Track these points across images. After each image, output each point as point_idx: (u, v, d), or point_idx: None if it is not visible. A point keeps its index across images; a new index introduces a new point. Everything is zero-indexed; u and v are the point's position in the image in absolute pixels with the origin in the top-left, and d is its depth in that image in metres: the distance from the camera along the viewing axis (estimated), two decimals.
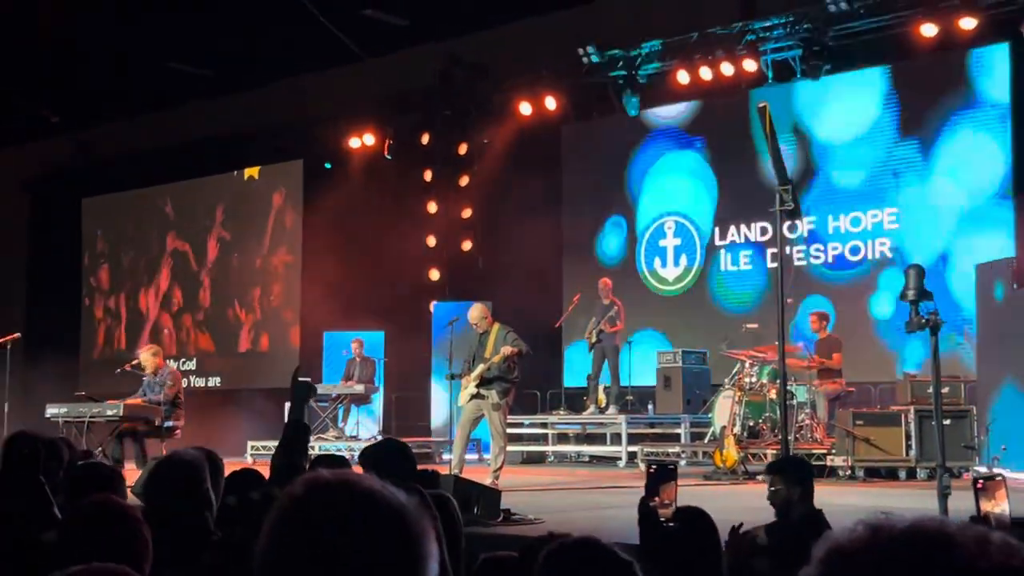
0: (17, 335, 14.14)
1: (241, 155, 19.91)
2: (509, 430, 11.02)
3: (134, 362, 13.13)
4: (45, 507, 3.26)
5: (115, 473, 4.82)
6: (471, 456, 12.46)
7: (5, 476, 3.68)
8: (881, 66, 14.54)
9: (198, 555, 3.15)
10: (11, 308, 21.39)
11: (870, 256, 14.54)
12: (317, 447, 11.25)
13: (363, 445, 14.38)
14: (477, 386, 10.45)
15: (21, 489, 3.37)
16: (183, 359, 20.08)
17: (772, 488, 5.31)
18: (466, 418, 10.64)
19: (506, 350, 10.32)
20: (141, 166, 20.89)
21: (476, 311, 10.82)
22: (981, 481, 2.75)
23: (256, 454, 15.19)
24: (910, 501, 8.84)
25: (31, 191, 23.12)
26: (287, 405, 4.33)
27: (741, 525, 3.33)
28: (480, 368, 10.41)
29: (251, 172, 20.22)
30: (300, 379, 4.42)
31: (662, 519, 3.22)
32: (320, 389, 15.16)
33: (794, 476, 5.32)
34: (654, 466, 3.43)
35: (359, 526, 1.48)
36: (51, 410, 11.89)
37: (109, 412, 11.48)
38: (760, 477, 10.72)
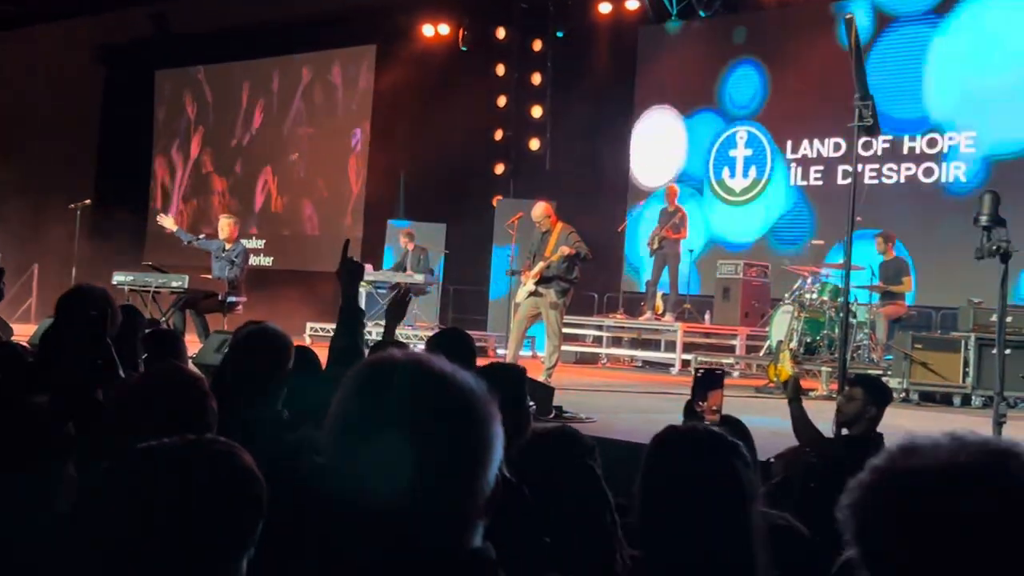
0: (87, 201, 14.35)
1: (316, 37, 19.84)
2: (564, 330, 11.05)
3: (202, 235, 13.31)
4: (111, 368, 3.32)
5: (180, 342, 4.92)
6: (525, 353, 12.55)
7: (71, 330, 3.67)
8: None
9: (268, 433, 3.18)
10: (83, 177, 21.65)
11: (944, 179, 14.28)
12: (374, 333, 11.34)
13: (420, 334, 14.59)
14: (536, 284, 10.44)
15: (87, 346, 3.39)
16: (253, 237, 20.27)
17: (850, 398, 5.30)
18: (523, 315, 10.66)
19: (564, 250, 10.29)
20: (216, 43, 20.91)
21: (539, 209, 10.77)
22: None
23: (315, 335, 15.42)
24: (964, 428, 8.77)
25: (105, 61, 23.24)
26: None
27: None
28: (540, 266, 10.39)
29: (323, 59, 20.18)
30: (350, 258, 4.17)
31: (707, 423, 3.23)
32: (380, 276, 15.28)
33: (876, 397, 5.31)
34: (701, 371, 3.42)
35: (431, 402, 1.51)
36: (118, 277, 12.08)
37: (174, 283, 11.64)
38: (815, 392, 10.71)
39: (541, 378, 9.65)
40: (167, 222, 12.95)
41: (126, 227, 19.95)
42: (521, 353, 12.04)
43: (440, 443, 1.49)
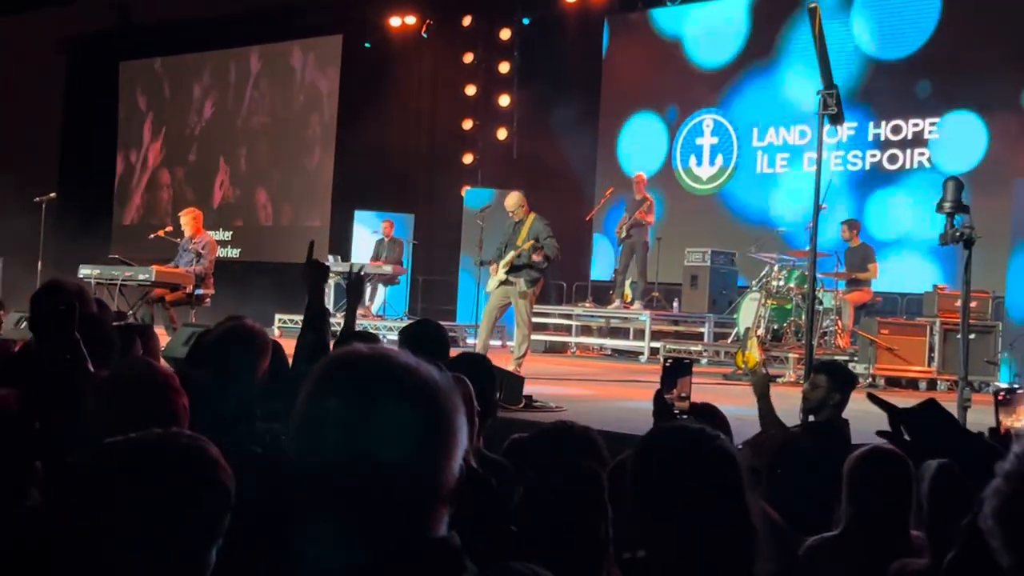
0: (53, 195, 14.23)
1: (283, 28, 19.75)
2: (534, 319, 11.06)
3: (168, 228, 13.24)
4: (79, 363, 3.31)
5: (152, 334, 4.90)
6: (495, 343, 12.56)
7: (38, 326, 3.68)
8: None
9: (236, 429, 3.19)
10: (48, 170, 21.47)
11: (908, 165, 14.41)
12: (338, 316, 11.31)
13: (389, 325, 14.57)
14: (507, 273, 10.46)
15: (54, 344, 3.39)
16: (220, 229, 20.17)
17: (814, 385, 5.35)
18: (493, 304, 10.67)
19: (532, 245, 10.29)
20: (180, 33, 20.78)
21: (513, 199, 10.78)
22: (1002, 393, 2.75)
23: (284, 327, 15.38)
24: None
25: (68, 53, 23.05)
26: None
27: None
28: (511, 255, 10.40)
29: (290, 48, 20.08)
30: (315, 259, 4.30)
31: (677, 412, 3.25)
32: (346, 267, 15.25)
33: (840, 383, 5.36)
34: (670, 360, 3.45)
35: (394, 395, 1.53)
36: (84, 270, 11.99)
37: (141, 276, 11.57)
38: (782, 379, 10.79)
39: (510, 367, 9.66)
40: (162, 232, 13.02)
41: (92, 220, 19.81)
42: (491, 343, 12.06)
43: (404, 435, 1.51)
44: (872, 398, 2.32)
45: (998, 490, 1.37)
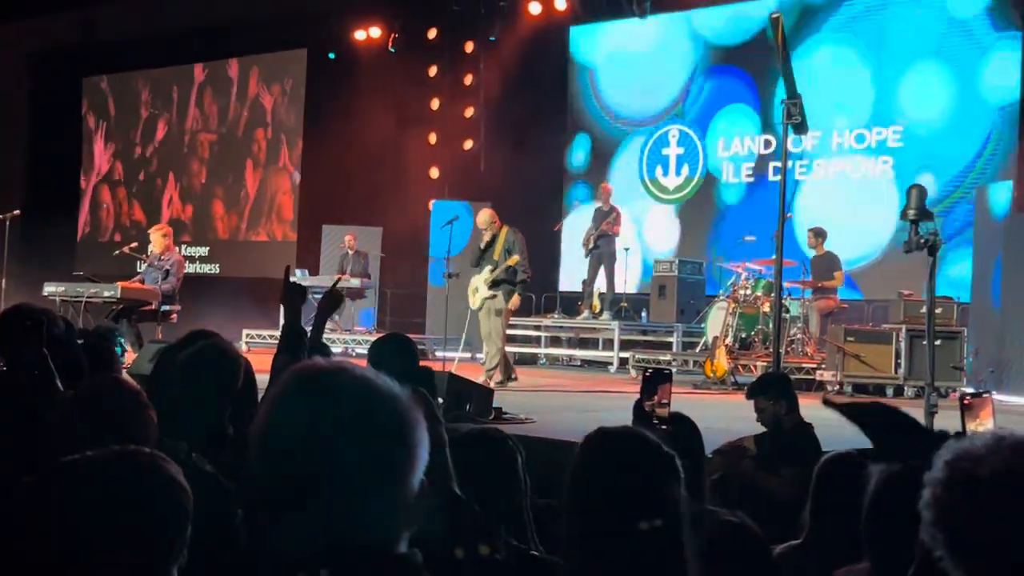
0: (16, 212, 14.12)
1: (247, 42, 19.69)
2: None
3: (134, 245, 13.16)
4: (48, 380, 3.29)
5: (114, 353, 4.87)
6: (465, 354, 12.58)
7: (5, 346, 3.66)
8: None
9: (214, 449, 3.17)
10: (10, 185, 21.30)
11: (872, 173, 14.52)
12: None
13: (357, 338, 14.54)
14: (488, 288, 10.60)
15: (23, 361, 3.37)
16: (186, 245, 20.07)
17: (760, 410, 5.41)
18: (483, 321, 10.81)
19: (517, 263, 10.42)
20: (143, 49, 20.68)
21: (485, 215, 10.87)
22: (968, 398, 2.78)
23: (252, 342, 15.29)
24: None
25: (32, 68, 22.88)
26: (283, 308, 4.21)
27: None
28: (496, 272, 10.55)
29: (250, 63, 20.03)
30: (292, 282, 4.23)
31: (656, 421, 3.27)
32: (316, 281, 15.21)
33: (776, 391, 5.42)
34: (650, 370, 3.47)
35: (355, 410, 1.52)
36: (49, 288, 11.91)
37: (107, 293, 11.49)
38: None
39: (480, 380, 9.69)
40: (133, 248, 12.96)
41: (57, 237, 19.65)
42: (461, 355, 12.11)
43: (364, 451, 1.50)
44: (827, 403, 2.37)
45: (937, 499, 1.38)
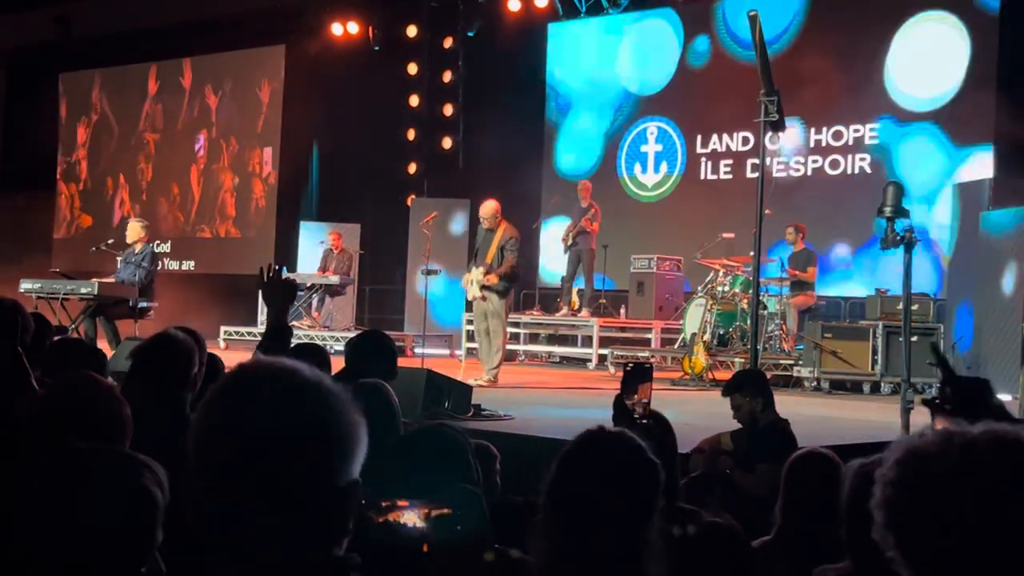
0: None
1: (224, 38, 19.59)
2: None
3: (111, 241, 13.09)
4: (23, 378, 3.27)
5: (95, 350, 4.84)
6: (443, 351, 12.59)
7: None
8: None
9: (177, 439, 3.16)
10: None
11: (849, 170, 14.58)
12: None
13: (336, 335, 14.51)
14: (481, 288, 10.62)
15: None
16: (158, 241, 19.97)
17: (735, 407, 5.42)
18: (479, 327, 10.86)
19: (492, 279, 10.46)
20: (121, 44, 20.55)
21: (489, 207, 10.83)
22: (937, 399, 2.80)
23: (229, 339, 15.22)
24: (874, 414, 9.00)
25: (6, 64, 22.73)
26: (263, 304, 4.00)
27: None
28: (488, 278, 10.55)
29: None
30: (281, 279, 3.88)
31: (636, 416, 3.27)
32: (294, 277, 15.18)
33: (751, 388, 5.43)
34: (630, 365, 3.47)
35: (293, 410, 1.49)
36: (25, 285, 11.84)
37: (83, 290, 11.44)
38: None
39: (484, 378, 9.79)
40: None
41: (33, 234, 19.52)
42: (441, 353, 12.11)
43: (301, 452, 1.47)
44: (934, 351, 2.53)
45: (887, 499, 1.38)
